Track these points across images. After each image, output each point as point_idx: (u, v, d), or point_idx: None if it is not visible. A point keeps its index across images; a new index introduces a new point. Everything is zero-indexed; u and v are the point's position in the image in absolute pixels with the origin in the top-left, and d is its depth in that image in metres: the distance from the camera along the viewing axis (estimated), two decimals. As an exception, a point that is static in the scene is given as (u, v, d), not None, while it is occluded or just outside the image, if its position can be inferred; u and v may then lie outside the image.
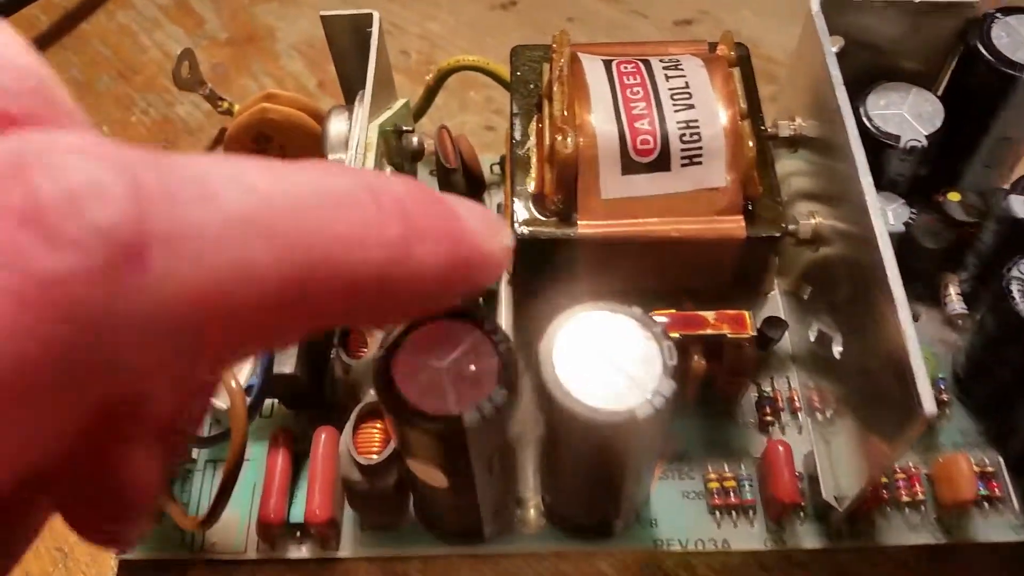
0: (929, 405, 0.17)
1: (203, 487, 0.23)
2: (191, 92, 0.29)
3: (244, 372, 0.19)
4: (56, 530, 0.23)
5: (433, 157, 0.26)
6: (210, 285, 0.09)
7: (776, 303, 0.26)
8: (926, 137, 0.24)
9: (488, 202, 0.28)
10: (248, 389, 0.20)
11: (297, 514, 0.22)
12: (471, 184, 0.27)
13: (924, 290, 0.26)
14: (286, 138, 0.27)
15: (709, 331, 0.22)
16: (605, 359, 0.18)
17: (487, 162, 0.29)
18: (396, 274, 0.11)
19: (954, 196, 0.26)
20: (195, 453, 0.23)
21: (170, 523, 0.22)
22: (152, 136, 0.31)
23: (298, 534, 0.22)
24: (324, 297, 0.10)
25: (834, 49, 0.24)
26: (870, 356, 0.20)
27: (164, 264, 0.09)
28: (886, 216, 0.25)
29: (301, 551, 0.22)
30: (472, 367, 0.17)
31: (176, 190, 0.09)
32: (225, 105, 0.30)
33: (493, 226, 0.13)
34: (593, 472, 0.19)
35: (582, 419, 0.17)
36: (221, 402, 0.19)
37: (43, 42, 0.34)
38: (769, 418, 0.24)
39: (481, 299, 0.25)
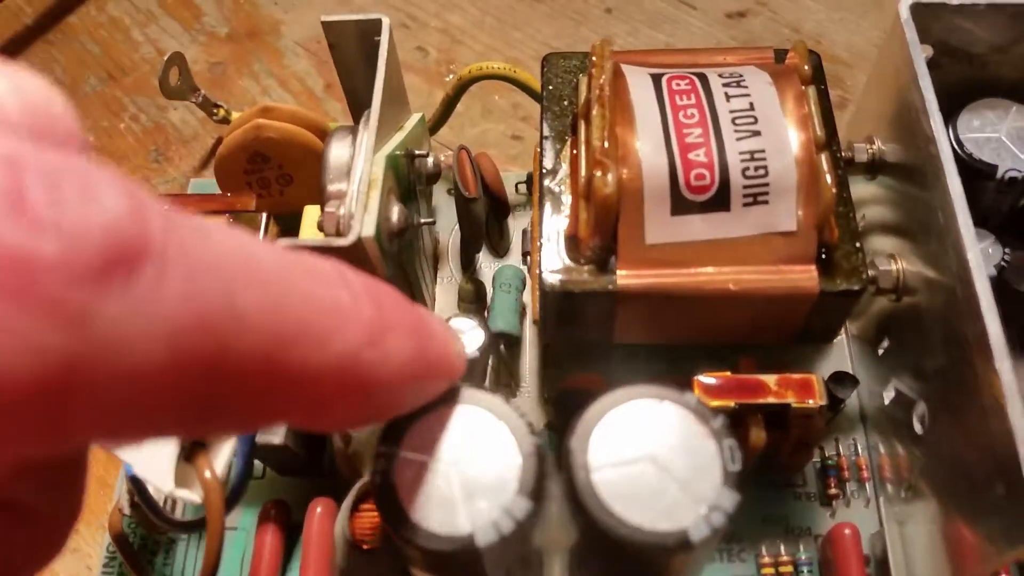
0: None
1: (187, 557, 0.21)
2: (182, 101, 0.26)
3: (224, 451, 0.17)
4: None
5: (450, 173, 0.23)
6: (193, 317, 0.09)
7: (843, 351, 0.23)
8: (1032, 167, 0.21)
9: (513, 226, 0.25)
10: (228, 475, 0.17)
11: (291, 597, 0.19)
12: (495, 209, 0.24)
13: (1016, 343, 0.23)
14: (285, 158, 0.24)
15: (771, 400, 0.19)
16: (651, 461, 0.15)
17: (512, 180, 0.26)
18: (368, 359, 0.11)
19: (1056, 231, 0.22)
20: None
21: (148, 602, 0.20)
22: (141, 145, 0.29)
23: (292, 622, 0.20)
24: (297, 373, 0.10)
25: (925, 57, 0.21)
26: (965, 443, 0.17)
27: (154, 281, 0.08)
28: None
29: (296, 642, 0.20)
30: (488, 468, 0.14)
31: (172, 215, 0.09)
32: (221, 113, 0.27)
33: (451, 331, 0.13)
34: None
35: (623, 539, 0.14)
36: (195, 495, 0.16)
37: (27, 36, 0.32)
38: (834, 491, 0.21)
39: (500, 345, 0.22)
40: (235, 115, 0.26)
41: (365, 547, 0.18)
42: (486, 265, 0.25)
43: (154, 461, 0.16)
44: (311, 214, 0.22)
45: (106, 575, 0.21)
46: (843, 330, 0.23)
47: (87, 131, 0.29)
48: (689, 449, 0.15)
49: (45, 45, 0.31)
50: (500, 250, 0.25)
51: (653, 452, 0.15)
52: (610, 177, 0.18)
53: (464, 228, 0.23)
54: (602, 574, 0.17)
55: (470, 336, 0.20)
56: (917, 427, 0.19)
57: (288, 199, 0.24)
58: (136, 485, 0.19)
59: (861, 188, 0.22)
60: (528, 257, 0.23)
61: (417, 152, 0.22)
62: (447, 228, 0.25)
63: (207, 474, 0.16)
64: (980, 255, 0.17)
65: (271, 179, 0.24)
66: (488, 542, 0.14)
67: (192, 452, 0.17)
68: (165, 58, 0.25)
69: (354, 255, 0.18)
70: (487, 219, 0.24)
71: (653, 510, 0.14)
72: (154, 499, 0.19)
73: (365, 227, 0.18)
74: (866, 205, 0.22)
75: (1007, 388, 0.15)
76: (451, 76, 0.24)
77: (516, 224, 0.25)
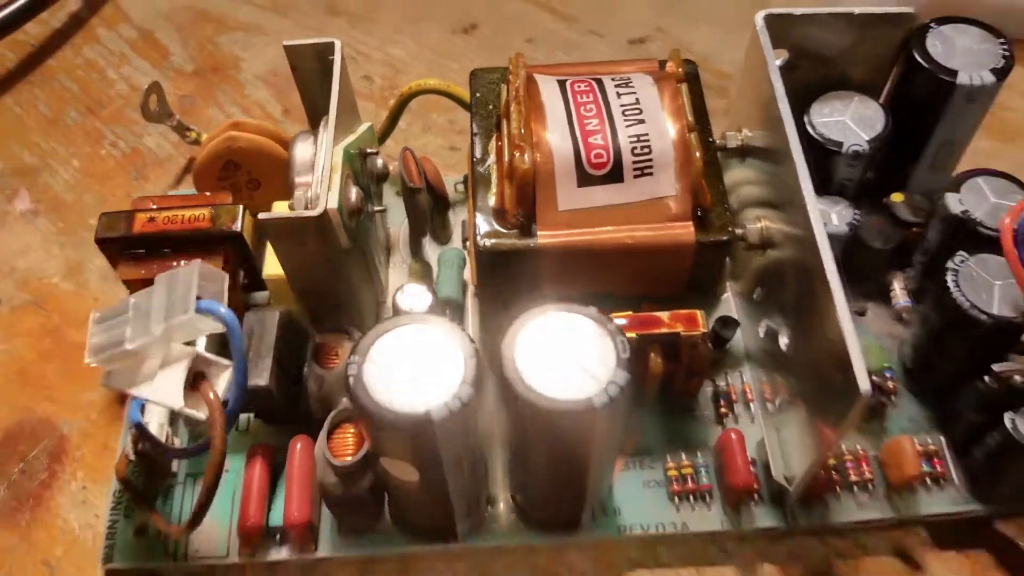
0: (864, 385, 0.19)
1: (184, 500, 0.25)
2: (159, 124, 0.31)
3: (223, 379, 0.21)
4: (41, 543, 0.25)
5: (398, 178, 0.28)
6: None
7: (729, 305, 0.29)
8: (868, 142, 0.27)
9: (453, 219, 0.30)
10: (224, 403, 0.21)
11: (276, 518, 0.24)
12: (436, 202, 0.29)
13: (873, 288, 0.28)
14: (253, 165, 0.29)
15: (664, 330, 0.24)
16: (564, 356, 0.20)
17: (451, 181, 0.31)
18: None
19: (898, 197, 0.28)
20: (175, 466, 0.25)
21: (154, 533, 0.24)
22: (122, 168, 0.33)
23: (278, 537, 0.24)
24: None
25: (779, 62, 0.27)
26: (814, 349, 0.22)
27: None
28: (830, 218, 0.27)
29: (281, 553, 0.24)
30: (439, 367, 0.19)
31: None
32: (193, 135, 0.32)
33: None
34: (557, 464, 0.21)
35: (544, 411, 0.19)
36: (200, 413, 0.21)
37: (10, 79, 0.36)
38: (724, 411, 0.26)
39: (446, 310, 0.27)
40: (204, 136, 0.31)
41: (340, 463, 0.22)
42: (431, 251, 0.30)
43: (165, 387, 0.21)
44: (279, 207, 0.27)
45: (113, 516, 0.25)
46: (728, 288, 0.29)
47: (72, 156, 0.34)
48: (591, 344, 0.20)
49: (28, 86, 0.36)
50: (443, 239, 0.30)
51: (565, 349, 0.20)
52: (527, 156, 0.24)
53: (410, 216, 0.28)
54: (535, 464, 0.22)
55: (420, 299, 0.25)
56: (783, 347, 0.24)
57: (256, 202, 0.29)
58: (140, 430, 0.23)
59: (736, 172, 0.28)
60: (467, 242, 0.28)
61: (368, 151, 0.27)
62: (397, 223, 0.30)
63: (211, 395, 0.21)
64: (818, 210, 0.22)
65: (241, 184, 0.29)
66: (441, 418, 0.19)
67: (196, 380, 0.21)
68: (145, 87, 0.30)
69: (321, 225, 0.23)
70: (431, 211, 0.29)
71: (566, 388, 0.19)
72: (157, 437, 0.23)
73: (330, 201, 0.23)
74: (741, 185, 0.28)
75: (839, 304, 0.21)
76: (394, 96, 0.30)
77: (456, 218, 0.31)
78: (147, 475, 0.25)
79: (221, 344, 0.22)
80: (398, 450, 0.20)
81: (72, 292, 0.30)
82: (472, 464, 0.22)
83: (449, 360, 0.20)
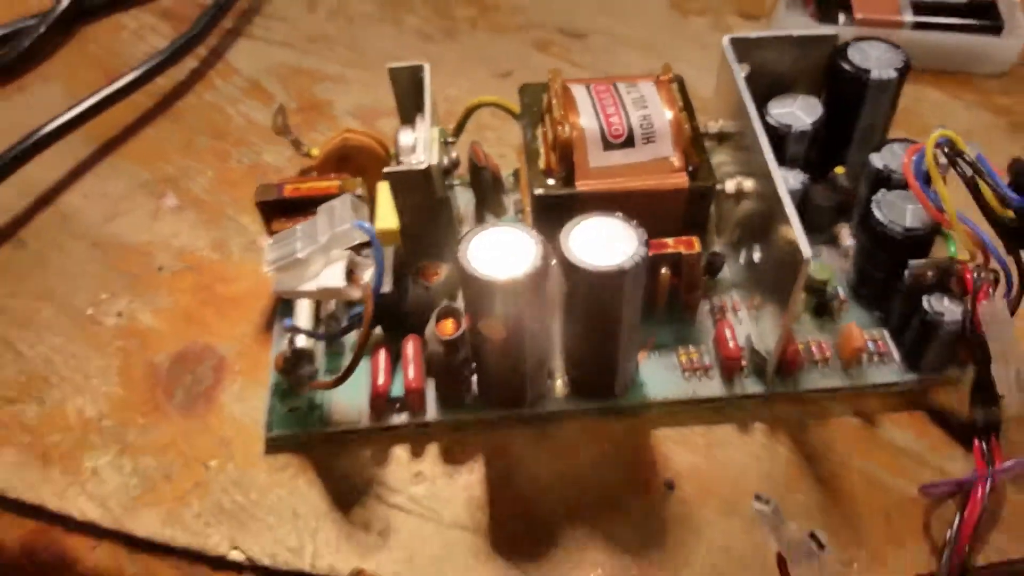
0: (806, 252, 0.29)
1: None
2: (283, 136, 0.41)
3: (368, 273, 0.31)
4: (214, 427, 0.34)
5: (463, 174, 0.38)
6: None
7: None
8: (810, 124, 0.37)
9: (507, 200, 0.40)
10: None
11: (397, 390, 0.33)
12: (495, 182, 0.39)
13: (824, 238, 0.38)
14: (363, 160, 0.39)
15: (670, 250, 0.34)
16: (601, 242, 0.29)
17: (504, 175, 0.41)
18: None
19: (840, 170, 0.38)
20: (318, 362, 0.34)
21: (304, 409, 0.33)
22: (247, 177, 0.43)
23: (397, 406, 0.33)
24: None
25: (744, 73, 0.37)
26: (776, 251, 0.32)
27: None
28: (787, 180, 0.37)
29: (401, 418, 0.33)
30: (517, 254, 0.29)
31: None
32: (306, 149, 0.42)
33: None
34: (598, 323, 0.30)
35: (589, 273, 0.29)
36: (356, 292, 0.30)
37: (148, 118, 0.47)
38: (718, 317, 0.36)
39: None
40: (316, 150, 0.42)
41: (445, 337, 0.32)
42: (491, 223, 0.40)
43: (330, 277, 0.30)
44: (384, 189, 0.37)
45: (272, 401, 0.34)
46: (716, 240, 0.38)
47: (206, 168, 0.44)
48: (621, 233, 0.29)
49: (164, 121, 0.46)
50: (499, 213, 0.40)
51: (604, 234, 0.29)
52: (567, 128, 0.34)
53: (476, 190, 0.38)
54: (581, 327, 0.31)
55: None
56: (756, 259, 0.34)
57: (370, 190, 0.39)
58: (294, 330, 0.32)
59: (718, 156, 0.38)
60: (520, 213, 0.38)
61: (448, 139, 0.37)
62: (463, 204, 0.40)
63: (363, 280, 0.30)
64: (778, 168, 0.32)
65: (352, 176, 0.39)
66: (525, 278, 0.28)
67: (348, 274, 0.31)
68: (275, 106, 0.41)
69: (424, 176, 0.33)
70: (489, 190, 0.39)
71: (604, 260, 0.29)
72: (309, 329, 0.32)
73: (432, 158, 0.33)
74: (721, 165, 0.38)
75: (789, 211, 0.30)
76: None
77: (509, 200, 0.40)
78: (295, 370, 0.34)
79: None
80: (492, 306, 0.29)
81: (219, 260, 0.40)
82: (540, 326, 0.31)
83: (525, 246, 0.29)
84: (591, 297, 0.30)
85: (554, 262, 0.30)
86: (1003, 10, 0.46)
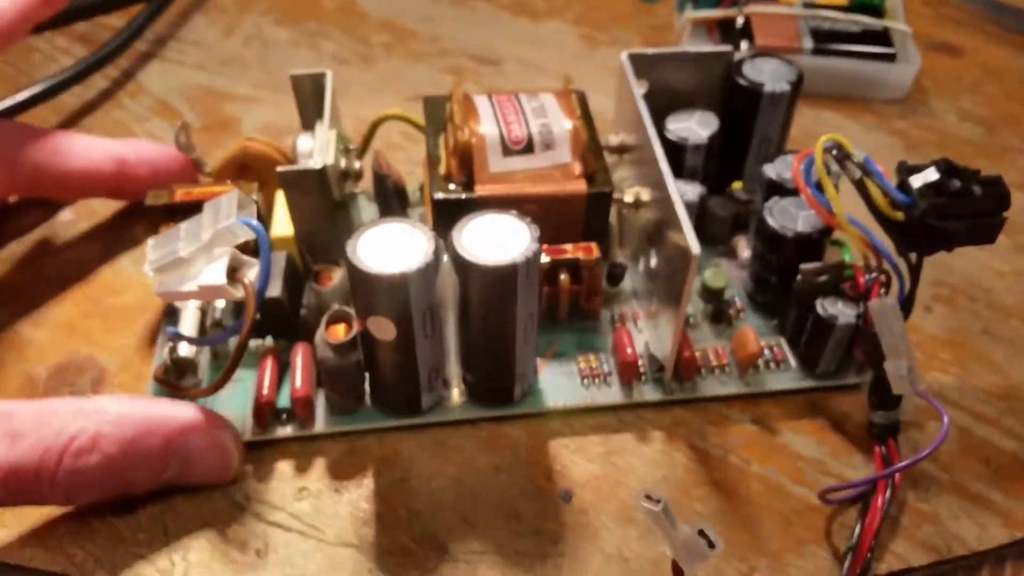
0: (695, 249, 0.28)
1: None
2: (185, 153, 0.39)
3: (252, 271, 0.29)
4: None
5: (368, 188, 0.37)
6: None
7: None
8: (707, 138, 0.37)
9: (412, 213, 0.39)
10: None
11: (283, 400, 0.31)
12: (398, 194, 0.38)
13: (723, 250, 0.38)
14: (261, 168, 0.37)
15: (569, 256, 0.33)
16: (495, 236, 0.28)
17: (410, 189, 0.40)
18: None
19: (737, 184, 0.38)
20: (200, 372, 0.32)
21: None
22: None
23: (283, 417, 0.31)
24: None
25: (642, 91, 0.37)
26: (669, 252, 0.31)
27: None
28: (684, 191, 0.36)
29: (287, 430, 0.31)
30: (410, 247, 0.28)
31: None
32: (209, 168, 0.40)
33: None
34: (491, 321, 0.29)
35: (482, 269, 0.27)
36: (238, 292, 0.28)
37: None
38: (618, 324, 0.35)
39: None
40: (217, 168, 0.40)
41: (335, 341, 0.30)
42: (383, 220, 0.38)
43: (211, 276, 0.28)
44: (282, 196, 0.35)
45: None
46: (619, 252, 0.37)
47: None
48: (514, 231, 0.28)
49: None
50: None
51: (497, 232, 0.28)
52: (467, 132, 0.33)
53: (379, 198, 0.37)
54: (475, 327, 0.30)
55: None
56: (653, 265, 0.33)
57: (267, 197, 0.37)
58: (176, 337, 0.30)
59: (620, 170, 0.37)
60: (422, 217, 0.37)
61: (349, 146, 0.36)
62: (369, 216, 0.39)
63: (246, 280, 0.28)
64: (674, 179, 0.31)
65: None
66: (413, 274, 0.27)
67: (232, 273, 0.29)
68: (178, 124, 0.38)
69: (321, 177, 0.31)
70: (393, 200, 0.37)
71: (496, 256, 0.27)
72: (192, 336, 0.30)
73: (327, 159, 0.31)
74: (623, 179, 0.37)
75: (685, 227, 0.30)
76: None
77: (415, 213, 0.39)
78: (176, 380, 0.32)
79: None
80: (380, 305, 0.28)
81: (109, 272, 0.38)
82: (432, 326, 0.29)
83: (416, 242, 0.28)
84: (484, 294, 0.28)
85: (447, 259, 0.28)
86: (895, 38, 0.47)
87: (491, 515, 0.30)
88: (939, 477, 0.31)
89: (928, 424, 0.32)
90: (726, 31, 0.48)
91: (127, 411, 0.28)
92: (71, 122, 0.46)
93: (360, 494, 0.30)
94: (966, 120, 0.48)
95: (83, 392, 0.33)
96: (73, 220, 0.40)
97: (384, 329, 0.28)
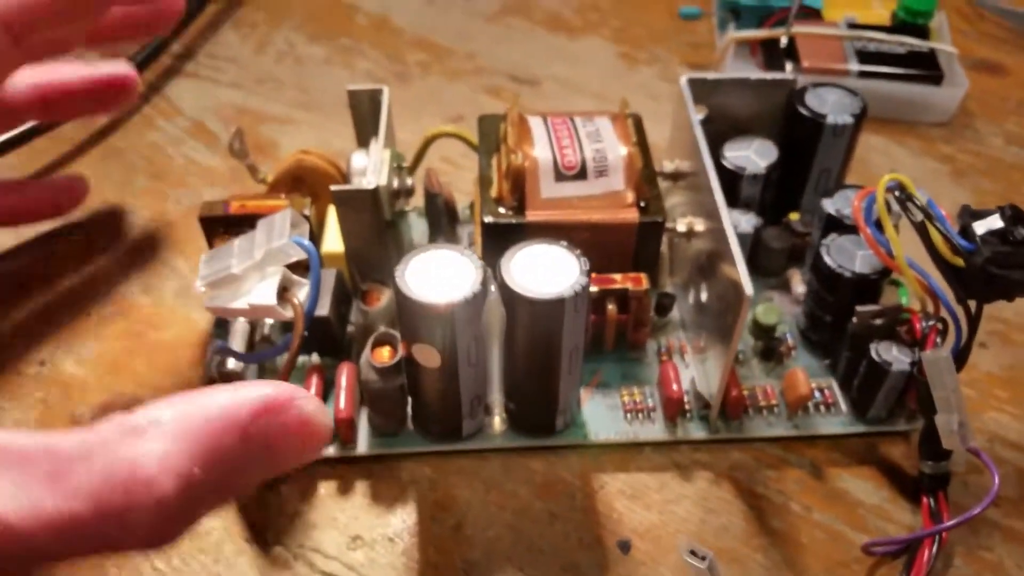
0: (748, 290, 0.27)
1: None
2: (240, 159, 0.39)
3: (302, 292, 0.29)
4: None
5: (420, 205, 0.37)
6: None
7: (667, 281, 0.37)
8: (764, 167, 0.36)
9: (461, 231, 0.39)
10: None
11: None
12: (449, 212, 0.37)
13: (777, 283, 0.37)
14: (315, 181, 0.37)
15: (617, 286, 0.32)
16: (544, 269, 0.28)
17: (461, 207, 0.39)
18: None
19: (794, 216, 0.37)
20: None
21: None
22: (186, 216, 0.41)
23: (327, 435, 0.31)
24: None
25: (700, 117, 0.36)
26: (721, 296, 0.30)
27: None
28: (739, 222, 0.36)
29: (329, 451, 0.31)
30: (458, 277, 0.27)
31: None
32: (262, 175, 0.41)
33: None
34: (536, 353, 0.29)
35: (529, 301, 0.27)
36: (288, 312, 0.28)
37: (77, 152, 0.44)
38: (664, 357, 0.34)
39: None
40: (271, 177, 0.40)
41: (380, 364, 0.30)
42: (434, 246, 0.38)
43: (262, 294, 0.28)
44: (334, 212, 0.35)
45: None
46: (668, 281, 0.37)
47: (142, 209, 0.41)
48: (564, 262, 0.28)
49: (100, 160, 0.44)
50: (453, 242, 0.38)
51: (546, 262, 0.28)
52: (520, 155, 0.32)
53: (429, 216, 0.37)
54: (520, 357, 0.29)
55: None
56: (703, 299, 0.32)
57: (320, 211, 0.37)
58: (222, 352, 0.30)
59: (674, 196, 0.37)
60: (472, 244, 0.36)
61: (402, 164, 0.35)
62: (419, 234, 0.39)
63: (295, 300, 0.28)
64: (730, 210, 0.30)
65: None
66: (459, 306, 0.26)
67: (282, 293, 0.29)
68: (233, 129, 0.39)
69: (373, 197, 0.31)
70: (443, 218, 0.37)
71: (544, 288, 0.27)
72: (240, 351, 0.30)
73: (381, 179, 0.31)
74: (677, 205, 0.37)
75: (739, 266, 0.29)
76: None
77: (464, 231, 0.39)
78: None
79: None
80: (426, 331, 0.27)
81: (150, 305, 0.37)
82: (477, 355, 0.29)
83: (465, 271, 0.28)
84: (531, 326, 0.28)
85: (494, 289, 0.28)
86: (942, 60, 0.46)
87: (548, 566, 0.29)
88: (1001, 523, 0.30)
89: (987, 472, 0.31)
90: (770, 52, 0.47)
91: (186, 414, 0.22)
92: (99, 138, 0.45)
93: (414, 543, 0.29)
94: (1013, 143, 0.46)
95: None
96: (111, 250, 0.40)
97: (429, 357, 0.28)
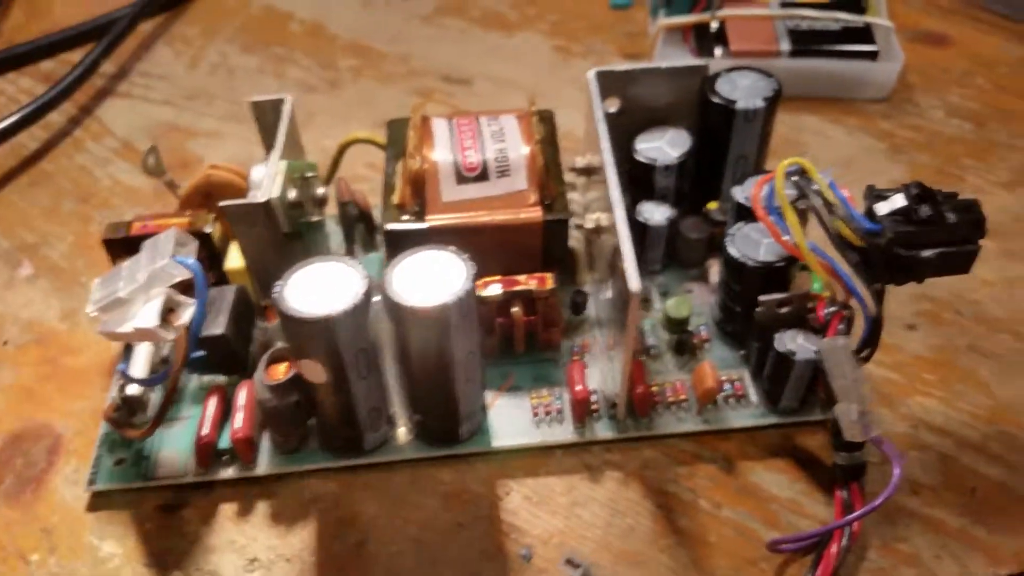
0: (634, 284, 0.26)
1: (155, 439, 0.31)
2: (155, 178, 0.39)
3: (187, 313, 0.28)
4: (40, 514, 0.30)
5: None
6: None
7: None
8: (676, 158, 0.35)
9: (379, 238, 0.38)
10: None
11: (225, 440, 0.30)
12: (364, 218, 0.37)
13: (697, 273, 0.36)
14: (228, 195, 0.36)
15: (522, 287, 0.31)
16: (428, 273, 0.27)
17: (377, 213, 0.39)
18: None
19: (712, 205, 0.36)
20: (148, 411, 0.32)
21: (130, 462, 0.30)
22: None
23: (225, 458, 0.30)
24: None
25: (613, 109, 0.35)
26: (621, 291, 0.29)
27: None
28: (653, 215, 0.35)
29: (228, 472, 0.30)
30: (341, 286, 0.27)
31: None
32: (181, 190, 0.40)
33: None
34: (430, 364, 0.28)
35: (412, 311, 0.26)
36: (170, 334, 0.28)
37: (9, 177, 0.44)
38: (576, 356, 0.33)
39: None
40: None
41: (272, 382, 0.29)
42: (360, 257, 0.37)
43: (145, 317, 0.28)
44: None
45: (99, 452, 0.31)
46: (588, 278, 0.36)
47: (68, 234, 0.41)
48: (450, 267, 0.27)
49: (29, 186, 0.44)
50: (370, 249, 0.38)
51: (432, 270, 0.27)
52: (419, 160, 0.32)
53: (342, 223, 0.36)
54: (411, 360, 0.28)
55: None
56: (607, 296, 0.31)
57: (225, 227, 0.37)
58: (125, 376, 0.30)
59: (592, 192, 0.36)
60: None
61: (308, 174, 0.35)
62: (337, 244, 0.38)
63: (177, 321, 0.28)
64: (623, 206, 0.29)
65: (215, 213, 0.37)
66: (340, 318, 0.26)
67: (167, 314, 0.28)
68: (147, 147, 0.38)
69: (266, 211, 0.30)
70: (357, 222, 0.37)
71: (429, 297, 0.26)
72: (139, 377, 0.30)
73: (273, 193, 0.31)
74: (593, 201, 0.36)
75: (627, 259, 0.28)
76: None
77: (380, 237, 0.38)
78: (129, 416, 0.31)
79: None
80: (309, 346, 0.27)
81: (66, 330, 0.37)
82: (367, 367, 0.28)
83: (351, 281, 0.27)
84: (418, 336, 0.27)
85: (377, 298, 0.27)
86: (878, 35, 0.45)
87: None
88: (920, 512, 0.29)
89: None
90: (701, 37, 0.46)
91: None
92: (29, 164, 0.45)
93: (313, 563, 0.29)
94: (954, 116, 0.45)
95: (38, 463, 0.32)
96: (33, 275, 0.39)
97: (314, 372, 0.27)
